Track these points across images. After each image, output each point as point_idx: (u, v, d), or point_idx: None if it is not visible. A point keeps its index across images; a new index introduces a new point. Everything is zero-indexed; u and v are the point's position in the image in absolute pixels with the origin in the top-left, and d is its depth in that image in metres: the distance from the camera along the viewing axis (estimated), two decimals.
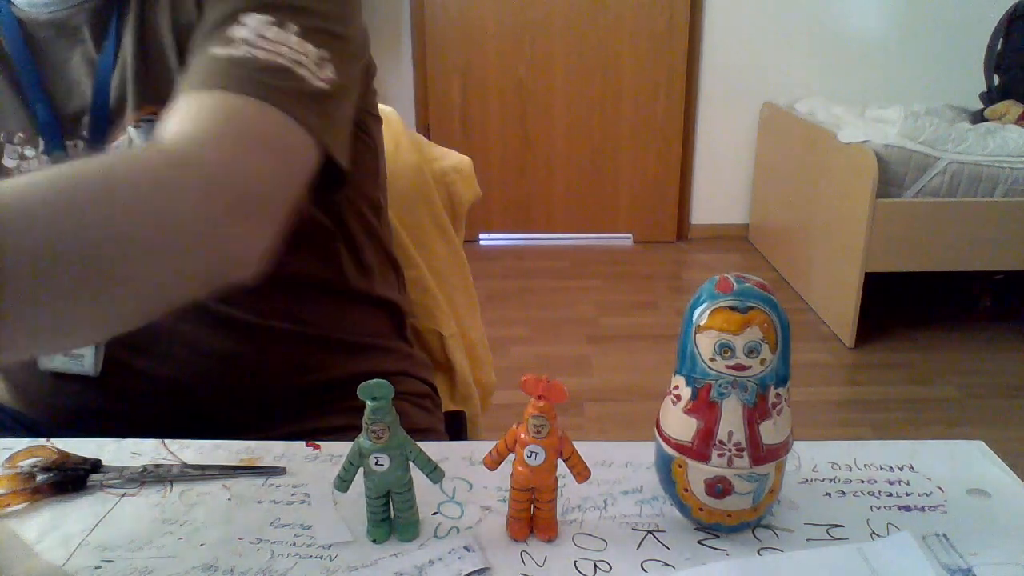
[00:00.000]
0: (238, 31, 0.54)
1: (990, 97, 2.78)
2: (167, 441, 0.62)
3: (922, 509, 0.54)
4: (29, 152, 0.69)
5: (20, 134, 0.69)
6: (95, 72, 0.68)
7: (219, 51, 0.53)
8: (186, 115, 0.51)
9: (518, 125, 3.35)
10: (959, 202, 2.34)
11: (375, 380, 0.47)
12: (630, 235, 3.54)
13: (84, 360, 0.68)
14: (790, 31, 3.24)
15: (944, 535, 0.51)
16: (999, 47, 2.75)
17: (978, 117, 2.74)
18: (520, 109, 3.33)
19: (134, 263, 0.44)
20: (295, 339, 0.74)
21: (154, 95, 0.65)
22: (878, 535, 0.51)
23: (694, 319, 0.47)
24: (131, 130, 0.67)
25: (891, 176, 2.32)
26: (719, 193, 3.50)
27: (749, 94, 3.31)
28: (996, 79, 2.78)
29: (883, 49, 3.25)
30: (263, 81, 0.52)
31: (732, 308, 0.46)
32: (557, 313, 2.77)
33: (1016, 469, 0.58)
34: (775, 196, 3.19)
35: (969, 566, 0.48)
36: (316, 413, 0.75)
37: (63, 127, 0.69)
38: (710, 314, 0.46)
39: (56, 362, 0.68)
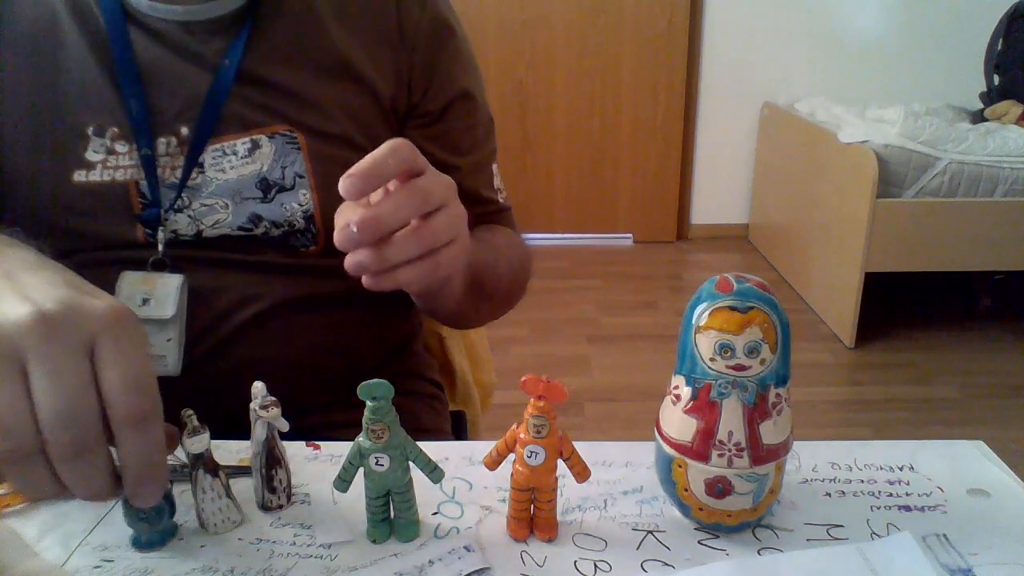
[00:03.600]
0: (496, 181, 0.83)
1: (990, 97, 2.78)
2: None
3: (922, 509, 0.54)
4: (120, 147, 0.69)
5: (114, 128, 0.69)
6: (213, 76, 0.69)
7: (500, 200, 0.83)
8: (519, 238, 0.85)
9: (518, 125, 3.35)
10: (959, 202, 2.34)
11: (375, 380, 0.47)
12: (630, 235, 3.54)
13: (167, 361, 0.68)
14: (790, 31, 3.24)
15: (944, 535, 0.51)
16: (999, 47, 2.75)
17: (978, 117, 2.74)
18: (520, 109, 3.33)
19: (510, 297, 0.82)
20: (357, 349, 0.77)
21: (295, 118, 0.71)
22: (878, 535, 0.51)
23: (694, 319, 0.47)
24: (263, 138, 0.70)
25: (891, 176, 2.32)
26: (719, 193, 3.50)
27: (749, 94, 3.31)
28: (996, 79, 2.78)
29: (883, 49, 3.25)
30: (511, 212, 0.86)
31: (732, 308, 0.46)
32: (557, 313, 2.77)
33: (1016, 469, 0.58)
34: (775, 196, 3.19)
35: (969, 566, 0.48)
36: (318, 411, 0.76)
37: (156, 124, 0.69)
38: (710, 314, 0.46)
39: None
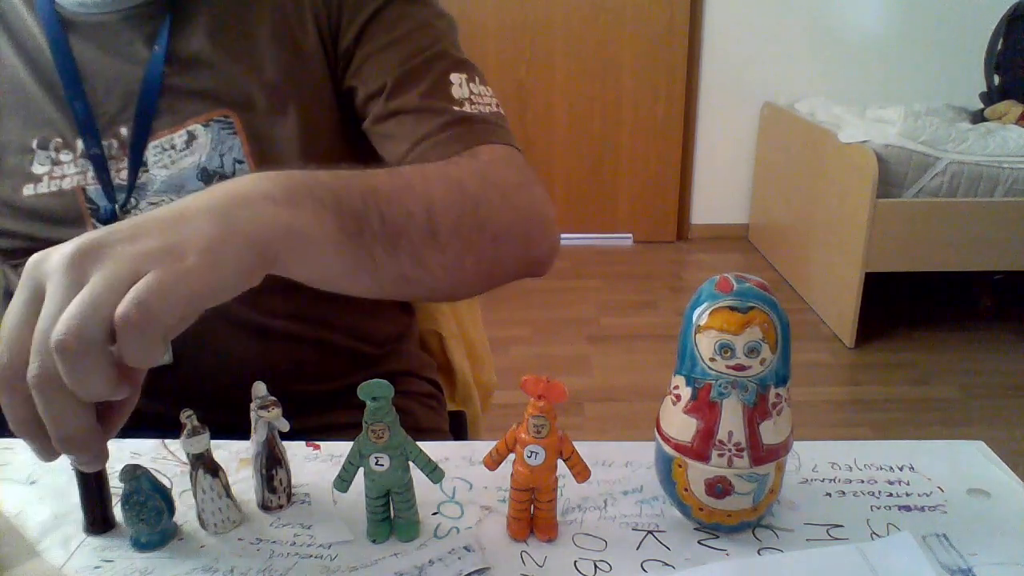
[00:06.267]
0: (456, 91, 0.67)
1: (990, 97, 2.77)
2: (167, 441, 0.62)
3: (922, 509, 0.54)
4: (64, 156, 0.69)
5: (57, 139, 0.69)
6: (144, 69, 0.68)
7: (461, 110, 0.67)
8: (481, 159, 0.64)
9: (518, 125, 3.35)
10: (959, 202, 2.34)
11: (375, 380, 0.47)
12: (630, 235, 3.54)
13: None
14: (790, 31, 3.24)
15: (944, 535, 0.51)
16: (999, 47, 2.75)
17: (978, 117, 2.74)
18: (520, 109, 3.33)
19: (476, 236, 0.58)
20: (325, 347, 0.76)
21: (227, 96, 0.68)
22: (878, 535, 0.51)
23: (694, 319, 0.47)
24: (198, 127, 0.68)
25: (891, 176, 2.32)
26: (719, 193, 3.50)
27: (749, 94, 3.32)
28: (996, 79, 2.78)
29: (883, 49, 3.25)
30: (499, 128, 0.68)
31: (732, 308, 0.45)
32: (557, 313, 2.77)
33: (1016, 469, 0.58)
34: (775, 196, 3.19)
35: (969, 566, 0.48)
36: (318, 411, 0.76)
37: (99, 127, 0.69)
38: (710, 314, 0.46)
39: None
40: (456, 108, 0.66)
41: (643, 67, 3.30)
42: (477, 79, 0.70)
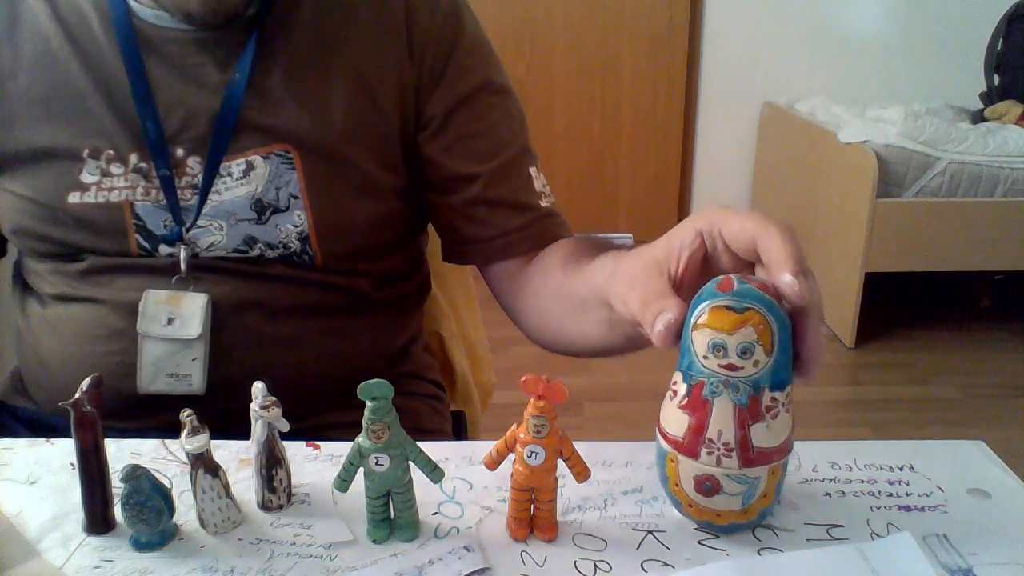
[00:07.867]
0: (537, 184, 0.76)
1: (990, 97, 2.77)
2: (167, 441, 0.62)
3: (922, 509, 0.54)
4: (116, 169, 0.69)
5: (109, 151, 0.68)
6: (221, 95, 0.68)
7: (542, 204, 0.76)
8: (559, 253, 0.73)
9: None
10: (959, 202, 2.34)
11: (375, 380, 0.47)
12: (630, 235, 3.54)
13: (192, 380, 0.68)
14: (790, 31, 3.24)
15: (944, 535, 0.51)
16: (999, 47, 2.75)
17: (978, 117, 2.74)
18: None
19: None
20: (360, 355, 0.76)
21: (290, 134, 0.69)
22: (878, 535, 0.51)
23: (693, 316, 0.47)
24: (257, 158, 0.69)
25: (891, 176, 2.32)
26: (719, 193, 3.50)
27: (749, 94, 3.31)
28: (996, 79, 2.78)
29: (883, 49, 3.25)
30: (563, 221, 0.78)
31: (728, 308, 0.45)
32: None
33: (1016, 469, 0.58)
34: (775, 196, 3.19)
35: (969, 566, 0.48)
36: (318, 411, 0.76)
37: (155, 145, 0.68)
38: (707, 312, 0.46)
39: (160, 384, 0.69)
40: (541, 204, 0.76)
41: (643, 67, 3.30)
42: (538, 165, 0.78)
